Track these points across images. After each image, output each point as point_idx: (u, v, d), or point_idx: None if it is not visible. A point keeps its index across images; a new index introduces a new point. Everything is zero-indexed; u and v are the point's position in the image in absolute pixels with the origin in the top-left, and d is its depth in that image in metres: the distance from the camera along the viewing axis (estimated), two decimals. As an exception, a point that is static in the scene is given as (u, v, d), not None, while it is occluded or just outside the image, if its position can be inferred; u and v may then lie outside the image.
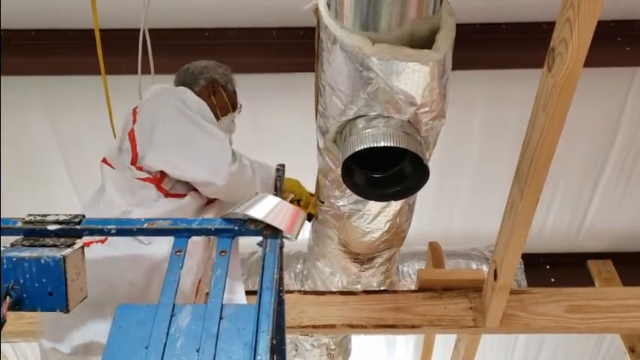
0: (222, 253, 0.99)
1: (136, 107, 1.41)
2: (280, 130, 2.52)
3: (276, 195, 1.09)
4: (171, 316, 0.90)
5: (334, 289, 1.85)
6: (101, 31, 2.30)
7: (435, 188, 2.78)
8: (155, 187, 1.34)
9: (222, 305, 0.92)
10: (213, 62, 1.65)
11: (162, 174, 1.35)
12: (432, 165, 2.90)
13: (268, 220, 1.01)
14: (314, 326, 1.68)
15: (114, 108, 1.92)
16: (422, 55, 1.18)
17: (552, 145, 1.19)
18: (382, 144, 1.27)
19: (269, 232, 1.01)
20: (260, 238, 1.02)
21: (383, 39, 1.18)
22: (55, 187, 2.75)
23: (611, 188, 2.79)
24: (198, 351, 0.86)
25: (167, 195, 1.33)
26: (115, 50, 1.97)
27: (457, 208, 2.85)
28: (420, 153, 1.30)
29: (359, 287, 1.84)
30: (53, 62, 2.40)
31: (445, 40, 1.20)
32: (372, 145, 1.27)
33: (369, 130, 1.31)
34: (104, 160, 1.44)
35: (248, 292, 1.27)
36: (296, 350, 2.19)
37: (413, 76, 1.22)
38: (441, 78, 1.25)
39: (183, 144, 1.33)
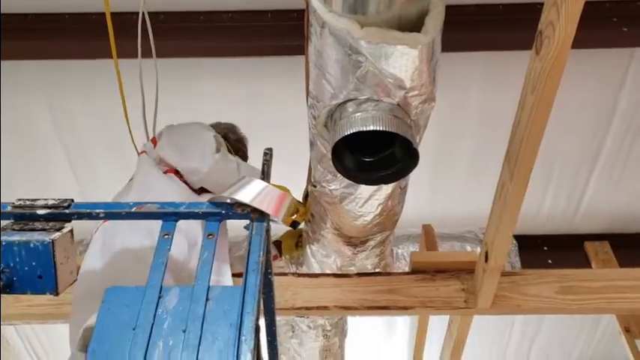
0: (210, 236, 1.00)
1: None
2: (276, 113, 2.52)
3: (263, 179, 1.10)
4: (159, 298, 0.92)
5: (329, 272, 1.87)
6: (95, 14, 2.30)
7: (430, 171, 2.78)
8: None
9: (208, 287, 0.93)
10: (223, 122, 1.88)
11: None
12: (427, 148, 2.90)
13: (255, 204, 1.02)
14: (307, 308, 1.71)
15: (111, 91, 1.92)
16: (410, 38, 1.18)
17: (541, 128, 1.20)
18: (371, 127, 1.27)
19: (255, 215, 1.03)
20: (247, 222, 1.03)
21: (371, 22, 1.18)
22: (54, 171, 2.77)
23: (608, 170, 2.79)
24: (184, 332, 0.88)
25: None
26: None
27: (453, 191, 2.85)
28: (409, 136, 1.31)
29: (353, 269, 1.86)
30: (49, 46, 2.40)
31: (434, 22, 1.20)
32: (361, 129, 1.28)
33: (358, 113, 1.31)
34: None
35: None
36: (292, 332, 2.22)
37: (401, 60, 1.22)
38: (429, 61, 1.25)
39: (179, 138, 1.57)
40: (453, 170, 2.79)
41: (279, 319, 2.20)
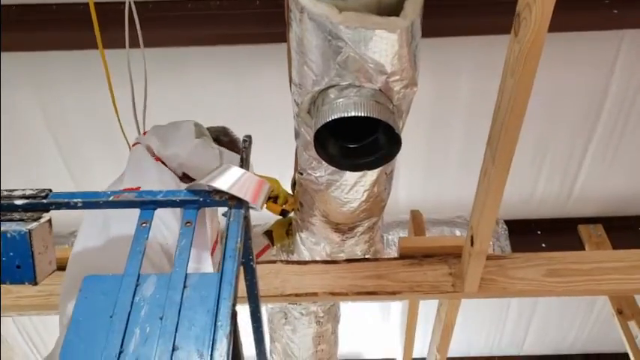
0: (188, 224, 1.01)
1: None
2: (266, 101, 2.51)
3: (242, 166, 1.10)
4: (136, 286, 0.92)
5: (319, 259, 1.88)
6: (83, 4, 2.28)
7: (423, 157, 2.79)
8: None
9: (186, 274, 0.94)
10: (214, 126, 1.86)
11: None
12: (419, 134, 2.90)
13: (233, 191, 1.02)
14: (296, 295, 1.72)
15: (100, 82, 1.92)
16: (389, 22, 1.17)
17: (521, 111, 1.19)
18: (352, 113, 1.27)
19: (233, 202, 1.03)
20: (225, 209, 1.03)
21: (350, 7, 1.17)
22: (46, 167, 2.77)
23: (601, 153, 2.79)
24: (161, 319, 0.89)
25: None
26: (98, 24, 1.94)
27: (446, 177, 2.86)
28: (391, 122, 1.30)
29: (343, 256, 1.86)
30: (37, 37, 2.38)
31: (413, 6, 1.19)
32: (342, 115, 1.28)
33: (340, 100, 1.31)
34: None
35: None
36: (285, 319, 2.24)
37: (381, 44, 1.21)
38: (409, 45, 1.24)
39: (163, 129, 1.59)
40: (445, 156, 2.79)
41: (272, 306, 2.22)
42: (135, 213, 1.01)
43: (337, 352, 2.50)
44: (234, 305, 0.91)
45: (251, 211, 1.06)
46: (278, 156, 2.06)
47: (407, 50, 1.24)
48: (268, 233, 1.98)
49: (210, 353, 0.84)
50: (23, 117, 2.60)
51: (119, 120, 1.81)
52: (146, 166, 1.46)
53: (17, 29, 2.34)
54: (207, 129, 1.77)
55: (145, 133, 1.66)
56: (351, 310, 3.12)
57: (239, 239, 0.98)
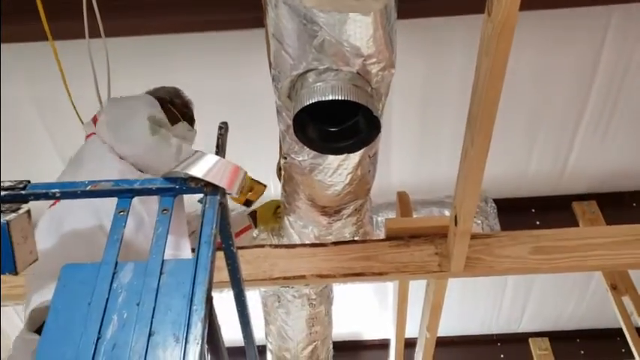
0: (164, 212, 1.02)
1: None
2: (254, 87, 2.51)
3: (217, 153, 1.12)
4: (114, 274, 0.94)
5: (308, 242, 1.90)
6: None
7: (416, 138, 2.79)
8: None
9: (162, 261, 0.96)
10: (167, 87, 1.83)
11: None
12: (412, 114, 2.89)
13: (208, 178, 1.04)
14: (285, 278, 1.74)
15: (87, 72, 1.91)
16: (362, 5, 1.17)
17: (496, 91, 1.20)
18: (330, 97, 1.28)
19: (209, 189, 1.04)
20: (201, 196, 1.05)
21: (325, -10, 1.17)
22: (42, 160, 2.77)
23: (593, 129, 2.79)
24: (138, 305, 0.91)
25: None
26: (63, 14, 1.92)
27: (439, 157, 2.86)
28: (370, 105, 1.31)
29: (331, 238, 1.88)
30: (23, 30, 2.38)
31: (386, -12, 1.19)
32: (320, 99, 1.28)
33: (318, 84, 1.31)
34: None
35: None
36: (279, 302, 2.27)
37: (355, 27, 1.21)
38: (384, 27, 1.25)
39: (115, 116, 1.54)
40: (437, 137, 2.79)
41: (265, 290, 2.25)
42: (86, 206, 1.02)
43: (332, 332, 2.54)
44: (209, 290, 0.93)
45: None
46: (269, 141, 2.07)
47: (382, 32, 1.24)
48: (252, 214, 1.99)
49: (185, 337, 0.87)
50: (15, 109, 2.60)
51: (77, 112, 1.81)
52: (109, 165, 1.43)
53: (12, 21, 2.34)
54: (160, 89, 1.75)
55: (95, 118, 1.61)
56: (350, 293, 3.16)
57: (214, 225, 0.99)
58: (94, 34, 1.84)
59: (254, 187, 1.82)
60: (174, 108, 1.69)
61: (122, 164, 1.41)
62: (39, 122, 2.65)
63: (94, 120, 1.60)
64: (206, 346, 0.92)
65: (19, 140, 2.70)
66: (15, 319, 3.20)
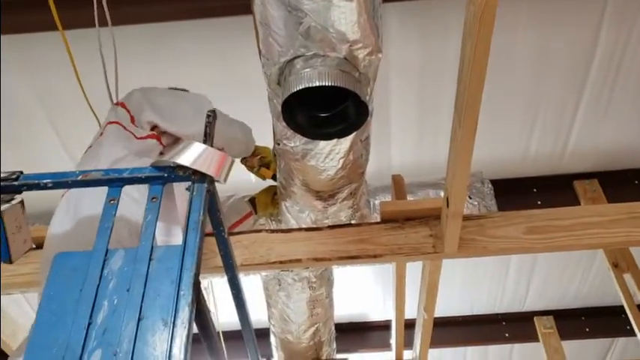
0: (154, 200, 1.05)
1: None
2: (250, 73, 2.51)
3: (206, 141, 1.14)
4: (104, 261, 0.97)
5: (305, 226, 1.92)
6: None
7: (415, 119, 2.79)
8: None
9: (152, 248, 0.99)
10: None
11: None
12: (411, 96, 2.88)
13: (196, 166, 1.06)
14: (281, 262, 1.77)
15: (93, 59, 1.93)
16: (346, -10, 1.18)
17: (481, 73, 1.20)
18: (317, 83, 1.29)
19: (197, 177, 1.07)
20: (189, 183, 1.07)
21: (307, -24, 1.18)
22: (45, 149, 2.81)
23: (593, 108, 2.77)
24: (128, 290, 0.94)
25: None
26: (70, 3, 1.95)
27: (438, 139, 2.86)
28: (357, 90, 1.32)
29: (328, 222, 1.90)
30: (20, 20, 2.40)
31: (370, -27, 1.20)
32: (307, 85, 1.30)
33: (306, 70, 1.32)
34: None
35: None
36: (279, 285, 2.30)
37: (339, 13, 1.22)
38: (369, 12, 1.25)
39: (169, 101, 1.62)
40: (437, 118, 2.79)
41: (265, 274, 2.28)
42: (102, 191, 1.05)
43: (334, 314, 2.57)
44: (196, 275, 0.96)
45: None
46: (266, 127, 2.08)
47: (366, 17, 1.25)
48: (252, 201, 2.02)
49: (173, 321, 0.90)
50: (17, 100, 2.63)
51: (87, 98, 1.84)
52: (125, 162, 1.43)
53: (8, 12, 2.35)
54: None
55: (122, 104, 1.60)
56: (352, 276, 3.19)
57: (201, 212, 1.02)
58: (88, 24, 1.86)
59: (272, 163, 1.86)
60: None
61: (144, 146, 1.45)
62: (41, 112, 2.68)
63: (123, 106, 1.58)
64: (195, 330, 0.95)
65: (20, 130, 2.73)
66: (25, 307, 3.27)
